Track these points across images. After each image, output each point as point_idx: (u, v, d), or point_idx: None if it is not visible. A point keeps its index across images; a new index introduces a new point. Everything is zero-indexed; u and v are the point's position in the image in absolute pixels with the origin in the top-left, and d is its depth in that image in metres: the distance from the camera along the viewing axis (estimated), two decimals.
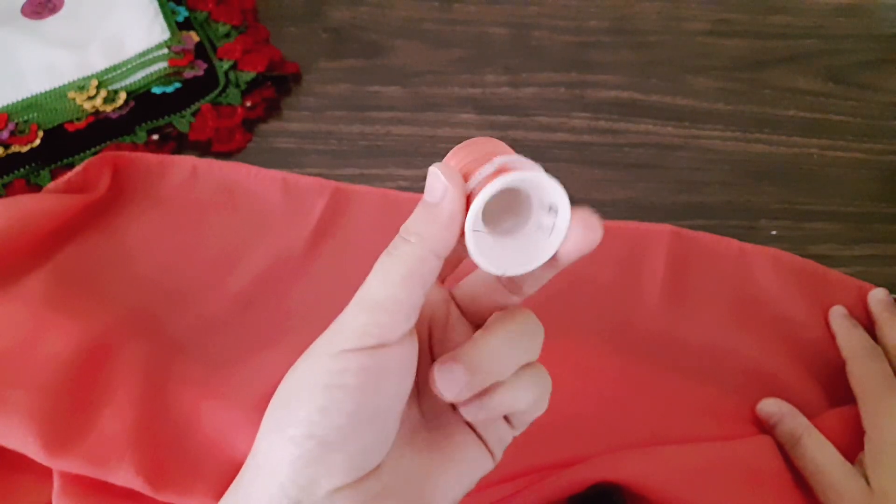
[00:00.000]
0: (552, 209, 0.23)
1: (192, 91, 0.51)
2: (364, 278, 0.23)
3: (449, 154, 0.25)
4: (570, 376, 0.40)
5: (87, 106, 0.49)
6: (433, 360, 0.26)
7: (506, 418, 0.26)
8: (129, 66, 0.51)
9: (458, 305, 0.27)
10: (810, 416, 0.39)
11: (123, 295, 0.43)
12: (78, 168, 0.45)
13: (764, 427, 0.40)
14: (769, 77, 0.56)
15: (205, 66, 0.52)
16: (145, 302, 0.43)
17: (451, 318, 0.27)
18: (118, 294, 0.43)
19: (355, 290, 0.23)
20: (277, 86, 0.53)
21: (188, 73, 0.51)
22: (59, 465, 0.35)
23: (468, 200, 0.23)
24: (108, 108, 0.49)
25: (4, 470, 0.38)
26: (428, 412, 0.26)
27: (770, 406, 0.40)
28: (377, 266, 0.23)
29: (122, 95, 0.50)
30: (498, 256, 0.23)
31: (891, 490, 0.35)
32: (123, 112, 0.49)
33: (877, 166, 0.52)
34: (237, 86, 0.52)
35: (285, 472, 0.22)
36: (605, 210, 0.49)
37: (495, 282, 0.26)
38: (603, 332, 0.43)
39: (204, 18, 0.55)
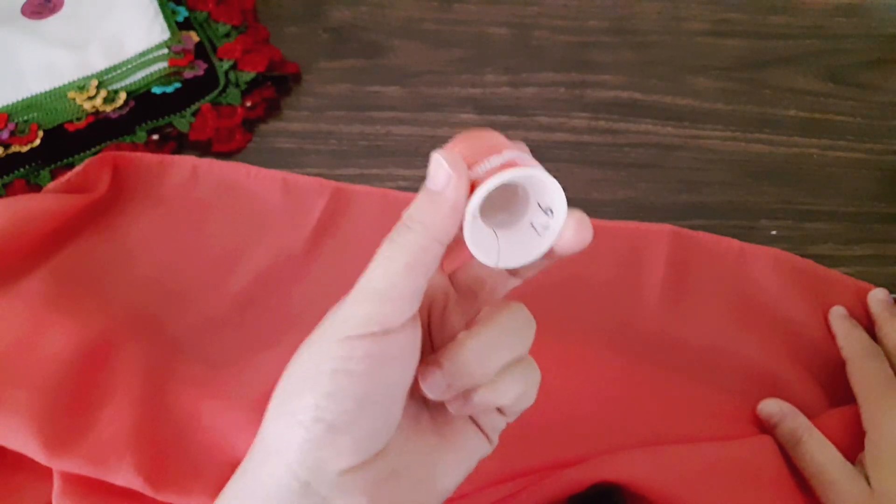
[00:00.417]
0: (549, 211, 0.24)
1: (192, 91, 0.51)
2: None
3: (451, 142, 0.25)
4: (569, 376, 0.40)
5: (87, 106, 0.49)
6: (432, 345, 0.27)
7: (497, 409, 0.26)
8: (129, 66, 0.51)
9: (456, 288, 0.28)
10: (810, 416, 0.39)
11: (123, 295, 0.43)
12: (78, 168, 0.45)
13: (764, 427, 0.40)
14: (769, 77, 0.56)
15: (205, 66, 0.52)
16: (145, 302, 0.43)
17: (450, 304, 0.27)
18: (118, 294, 0.43)
19: None
20: (277, 86, 0.53)
21: (188, 73, 0.51)
22: (59, 465, 0.35)
23: (472, 189, 0.23)
24: (108, 108, 0.49)
25: (4, 470, 0.38)
26: (430, 398, 0.26)
27: (771, 406, 0.40)
28: (380, 253, 0.23)
29: (122, 95, 0.50)
30: (492, 248, 0.24)
31: (891, 490, 0.35)
32: (123, 112, 0.49)
33: (877, 166, 0.52)
34: (237, 86, 0.52)
35: (294, 455, 0.22)
36: (605, 210, 0.49)
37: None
38: (603, 332, 0.43)
39: (204, 18, 0.55)
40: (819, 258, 0.47)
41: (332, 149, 0.51)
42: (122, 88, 0.50)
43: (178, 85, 0.51)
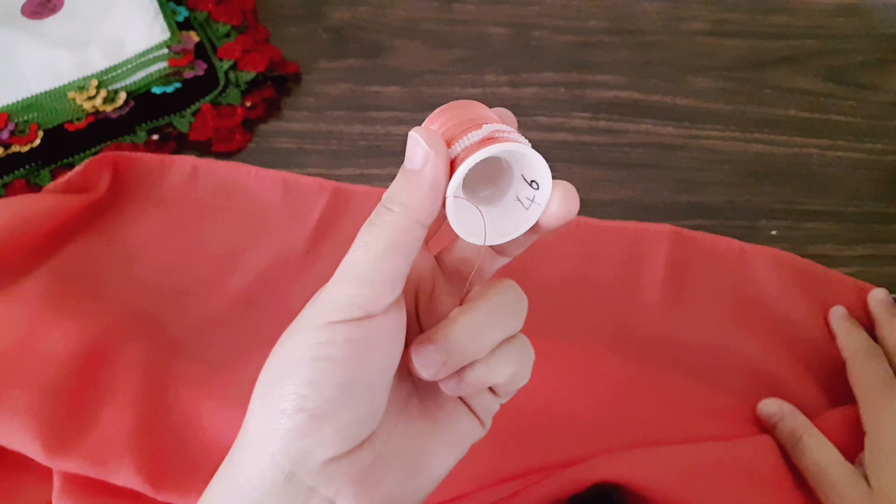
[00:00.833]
0: (534, 183, 0.23)
1: (192, 91, 0.51)
2: None
3: (430, 117, 0.25)
4: (570, 376, 0.41)
5: (87, 106, 0.49)
6: (421, 329, 0.26)
7: (491, 389, 0.26)
8: (129, 66, 0.51)
9: (444, 271, 0.27)
10: (810, 416, 0.39)
11: (123, 295, 0.43)
12: (78, 168, 0.45)
13: (764, 427, 0.40)
14: (769, 77, 0.56)
15: (205, 66, 0.52)
16: (145, 302, 0.43)
17: (438, 286, 0.27)
18: (118, 294, 0.43)
19: None
20: (277, 86, 0.53)
21: (188, 73, 0.51)
22: (59, 465, 0.36)
23: (452, 166, 0.22)
24: (108, 108, 0.49)
25: (4, 470, 0.38)
26: (420, 382, 0.26)
27: (770, 406, 0.40)
28: (359, 236, 0.23)
29: (122, 95, 0.50)
30: (478, 225, 0.23)
31: (891, 490, 0.34)
32: (123, 112, 0.49)
33: (877, 166, 0.52)
34: (237, 86, 0.52)
35: (277, 446, 0.22)
36: (605, 210, 0.49)
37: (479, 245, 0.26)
38: (603, 332, 0.43)
39: (204, 18, 0.55)
40: (819, 258, 0.47)
41: (332, 149, 0.51)
42: (122, 88, 0.50)
43: (178, 85, 0.51)
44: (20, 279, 0.41)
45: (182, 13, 0.55)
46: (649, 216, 0.48)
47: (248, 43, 0.53)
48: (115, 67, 0.51)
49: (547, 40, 0.58)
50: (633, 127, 0.53)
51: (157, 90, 0.51)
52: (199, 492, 0.34)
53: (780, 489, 0.37)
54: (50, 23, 0.54)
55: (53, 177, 0.47)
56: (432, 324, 0.26)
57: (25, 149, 0.47)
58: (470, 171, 0.22)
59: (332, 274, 0.23)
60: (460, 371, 0.24)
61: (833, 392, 0.42)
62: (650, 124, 0.53)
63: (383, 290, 0.22)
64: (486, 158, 0.22)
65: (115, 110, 0.49)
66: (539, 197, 0.23)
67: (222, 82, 0.51)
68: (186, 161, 0.48)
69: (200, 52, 0.53)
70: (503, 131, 0.23)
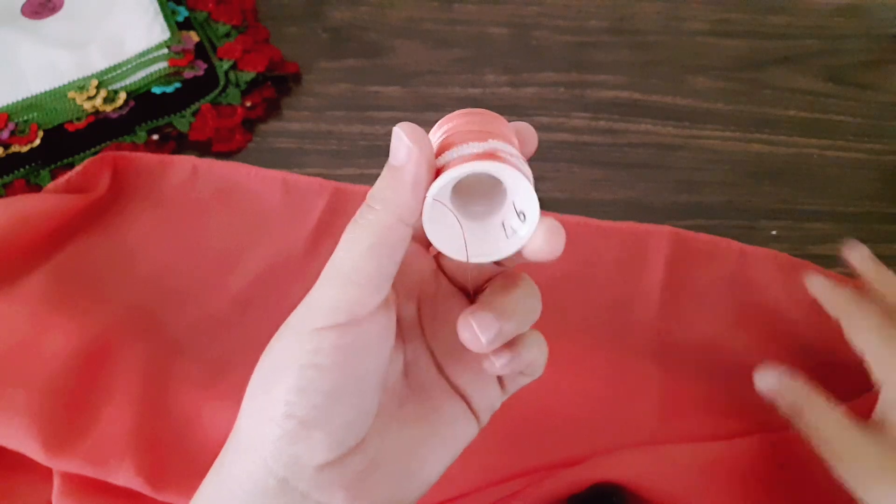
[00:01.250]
0: (521, 214, 0.22)
1: (192, 91, 0.51)
2: None
3: (447, 116, 0.24)
4: (569, 376, 0.41)
5: (87, 106, 0.49)
6: (423, 333, 0.26)
7: (500, 381, 0.26)
8: (129, 66, 0.51)
9: (445, 273, 0.27)
10: None
11: (123, 295, 0.43)
12: (78, 168, 0.45)
13: (765, 408, 0.39)
14: (769, 77, 0.56)
15: (205, 66, 0.52)
16: (145, 302, 0.43)
17: (441, 291, 0.26)
18: (118, 294, 0.43)
19: None
20: (277, 86, 0.53)
21: (188, 73, 0.51)
22: (59, 465, 0.36)
23: (443, 169, 0.22)
24: (108, 108, 0.49)
25: (4, 470, 0.38)
26: (415, 385, 0.26)
27: (768, 380, 0.37)
28: (344, 236, 0.22)
29: (122, 95, 0.50)
30: (453, 237, 0.22)
31: None
32: (123, 112, 0.49)
33: (877, 166, 0.52)
34: (237, 86, 0.52)
35: (269, 452, 0.21)
36: (605, 210, 0.49)
37: None
38: (603, 333, 0.43)
39: (204, 18, 0.55)
40: (819, 258, 0.47)
41: (332, 149, 0.51)
42: (122, 88, 0.50)
43: (178, 85, 0.51)
44: (20, 279, 0.41)
45: (182, 13, 0.55)
46: (649, 216, 0.48)
47: (248, 43, 0.53)
48: (115, 67, 0.51)
49: (547, 40, 0.58)
50: (633, 127, 0.53)
51: (157, 90, 0.51)
52: None
53: (780, 489, 0.37)
54: (50, 23, 0.54)
55: (53, 177, 0.47)
56: (437, 327, 0.26)
57: (25, 149, 0.47)
58: (470, 182, 0.21)
59: None
60: (511, 345, 0.23)
61: (834, 391, 0.42)
62: (650, 124, 0.53)
63: (368, 291, 0.22)
64: (483, 175, 0.21)
65: (115, 110, 0.49)
66: (522, 230, 0.22)
67: (222, 82, 0.51)
68: (186, 161, 0.48)
69: (200, 52, 0.53)
70: (507, 153, 0.22)
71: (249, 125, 0.51)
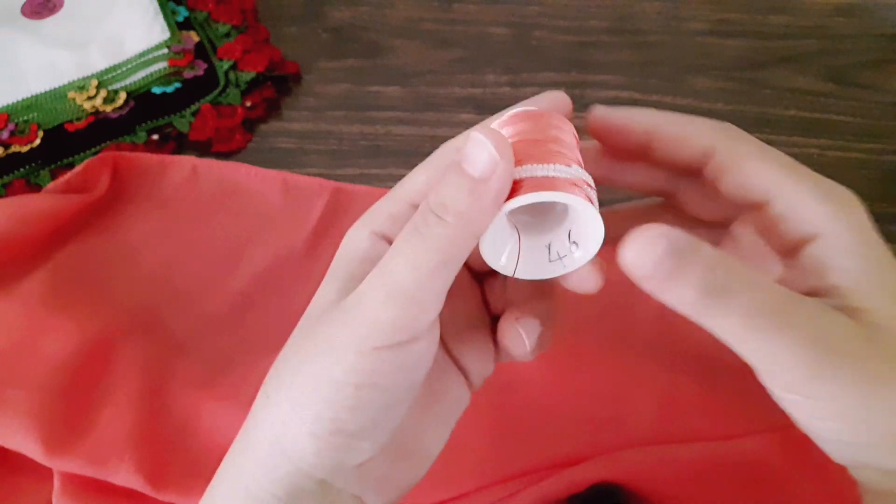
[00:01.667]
0: (574, 243, 0.21)
1: (192, 91, 0.51)
2: None
3: (503, 119, 0.22)
4: (569, 375, 0.41)
5: (87, 106, 0.49)
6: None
7: (496, 345, 0.26)
8: (129, 66, 0.51)
9: (468, 267, 0.26)
10: None
11: (123, 295, 0.43)
12: (78, 168, 0.45)
13: (763, 423, 0.40)
14: (769, 77, 0.56)
15: (205, 66, 0.52)
16: (145, 302, 0.43)
17: (463, 283, 0.26)
18: (118, 294, 0.43)
19: None
20: (277, 86, 0.53)
21: (188, 73, 0.51)
22: (59, 465, 0.36)
23: (515, 185, 0.20)
24: (108, 108, 0.49)
25: (4, 470, 0.38)
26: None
27: (602, 112, 0.28)
28: (404, 245, 0.20)
29: (122, 95, 0.50)
30: (507, 251, 0.22)
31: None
32: (123, 112, 0.49)
33: (877, 166, 0.52)
34: (237, 86, 0.52)
35: (307, 463, 0.21)
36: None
37: None
38: (602, 332, 0.43)
39: (204, 18, 0.55)
40: None
41: (332, 149, 0.51)
42: (122, 88, 0.50)
43: (178, 85, 0.51)
44: (20, 279, 0.41)
45: (182, 13, 0.55)
46: None
47: (248, 43, 0.53)
48: (115, 67, 0.51)
49: (547, 40, 0.58)
50: None
51: (157, 90, 0.51)
52: (200, 491, 0.34)
53: (780, 488, 0.37)
54: (50, 23, 0.54)
55: (53, 177, 0.47)
56: (458, 329, 0.26)
57: (25, 149, 0.47)
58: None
59: None
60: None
61: None
62: None
63: (430, 309, 0.21)
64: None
65: (115, 110, 0.49)
66: (568, 260, 0.22)
67: (222, 82, 0.51)
68: (186, 161, 0.48)
69: (200, 52, 0.53)
70: (589, 184, 0.21)
71: (249, 125, 0.51)
